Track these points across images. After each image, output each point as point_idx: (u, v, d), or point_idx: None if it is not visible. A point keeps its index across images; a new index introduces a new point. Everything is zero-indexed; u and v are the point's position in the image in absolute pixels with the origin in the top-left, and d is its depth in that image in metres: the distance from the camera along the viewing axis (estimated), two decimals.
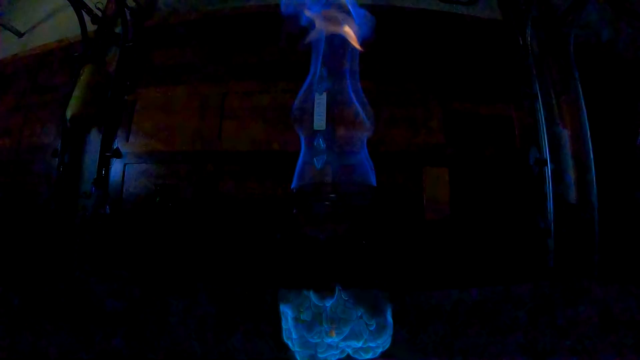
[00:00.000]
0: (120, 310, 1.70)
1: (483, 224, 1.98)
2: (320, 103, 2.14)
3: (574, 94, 2.10)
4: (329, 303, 1.29)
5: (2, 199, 2.40)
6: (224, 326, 1.63)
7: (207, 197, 2.07)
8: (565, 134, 2.08)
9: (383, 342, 1.24)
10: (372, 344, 1.24)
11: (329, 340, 1.22)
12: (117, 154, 2.20)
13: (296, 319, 1.23)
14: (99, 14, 2.36)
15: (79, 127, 2.17)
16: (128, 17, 2.36)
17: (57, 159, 2.19)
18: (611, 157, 2.03)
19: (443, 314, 1.61)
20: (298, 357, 1.22)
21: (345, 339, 1.24)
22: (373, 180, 1.62)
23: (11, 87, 2.65)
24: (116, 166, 2.21)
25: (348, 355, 1.25)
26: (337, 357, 1.23)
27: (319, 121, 2.12)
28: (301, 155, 1.61)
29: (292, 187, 1.95)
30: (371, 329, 1.26)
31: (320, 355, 1.22)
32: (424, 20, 2.28)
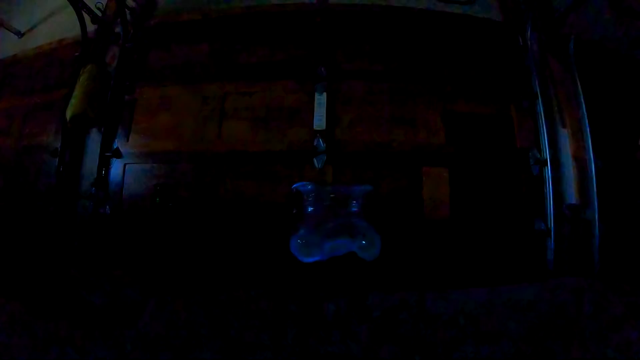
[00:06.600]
0: (119, 311, 1.70)
1: (483, 224, 1.98)
2: (320, 103, 2.15)
3: (574, 94, 2.09)
4: None
5: (2, 199, 2.40)
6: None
7: (207, 198, 2.07)
8: (565, 134, 2.08)
9: None
10: None
11: None
12: (117, 154, 2.20)
13: None
14: (99, 14, 2.36)
15: (79, 127, 2.16)
16: (128, 17, 2.36)
17: (57, 159, 2.18)
18: (611, 158, 2.02)
19: None
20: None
21: None
22: None
23: (11, 87, 2.65)
24: (116, 166, 2.20)
25: None
26: None
27: (319, 121, 2.12)
28: None
29: (292, 187, 1.96)
30: None
31: None
32: (424, 20, 2.28)
